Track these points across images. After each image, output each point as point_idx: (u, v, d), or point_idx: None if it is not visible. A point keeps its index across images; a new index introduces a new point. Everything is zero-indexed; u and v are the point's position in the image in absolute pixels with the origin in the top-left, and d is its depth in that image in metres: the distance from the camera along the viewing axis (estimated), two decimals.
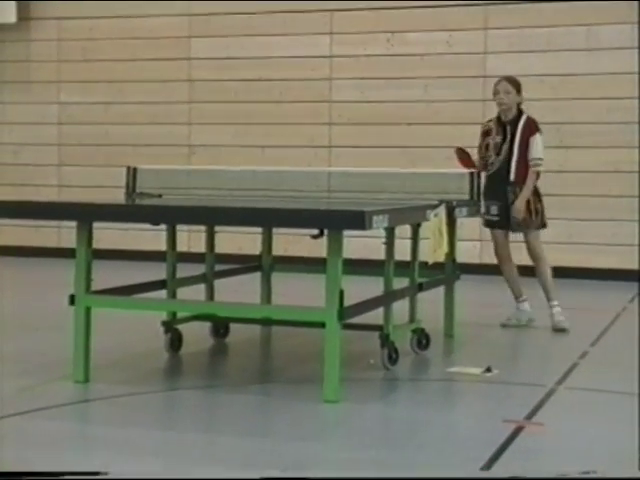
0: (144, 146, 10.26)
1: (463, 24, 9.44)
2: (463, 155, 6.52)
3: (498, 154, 6.48)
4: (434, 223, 5.13)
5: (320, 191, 6.23)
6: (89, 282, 4.79)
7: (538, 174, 6.52)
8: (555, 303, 6.53)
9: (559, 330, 6.40)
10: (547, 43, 9.29)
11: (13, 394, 4.57)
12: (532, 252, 6.62)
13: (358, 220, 4.31)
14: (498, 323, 6.59)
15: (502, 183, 6.41)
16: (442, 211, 5.19)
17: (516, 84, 6.50)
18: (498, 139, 6.48)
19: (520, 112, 6.51)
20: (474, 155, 6.60)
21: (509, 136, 6.44)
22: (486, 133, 6.60)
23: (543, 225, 6.64)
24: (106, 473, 3.30)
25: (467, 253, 8.36)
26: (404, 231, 5.41)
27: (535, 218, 6.54)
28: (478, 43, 9.44)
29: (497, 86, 6.53)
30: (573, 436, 3.97)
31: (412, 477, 3.47)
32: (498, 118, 6.56)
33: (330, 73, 9.86)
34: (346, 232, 4.46)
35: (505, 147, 6.45)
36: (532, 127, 6.45)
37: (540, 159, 6.46)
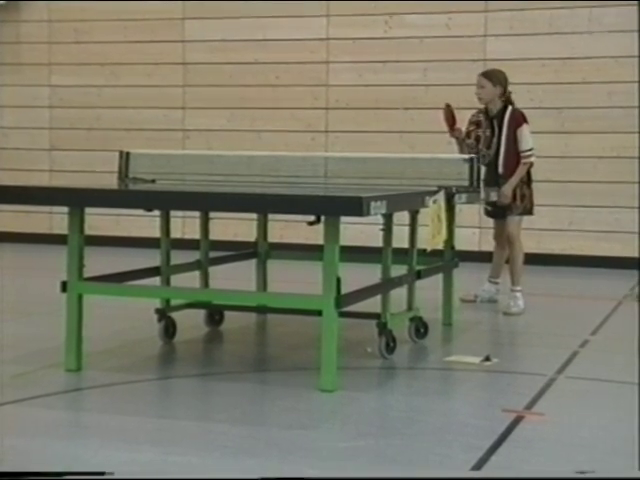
0: (137, 130, 10.16)
1: (463, 6, 9.32)
2: (449, 115, 6.46)
3: (489, 148, 6.50)
4: (433, 209, 5.07)
5: (317, 177, 6.17)
6: (81, 269, 4.72)
7: (531, 164, 6.52)
8: (518, 289, 6.56)
9: (508, 314, 6.44)
10: (549, 25, 9.17)
11: (5, 381, 4.51)
12: (508, 236, 6.64)
13: (355, 206, 4.25)
14: (497, 311, 6.55)
15: (494, 176, 6.40)
16: (441, 197, 5.13)
17: (493, 77, 6.51)
18: (488, 132, 6.51)
19: (506, 104, 6.50)
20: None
21: (497, 130, 6.47)
22: (477, 125, 6.60)
23: (528, 212, 6.66)
24: (112, 473, 3.24)
25: (466, 240, 8.30)
26: (402, 218, 5.34)
27: (520, 203, 6.55)
28: (478, 26, 9.33)
29: (476, 81, 6.58)
30: (574, 426, 3.94)
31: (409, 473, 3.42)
32: (486, 111, 6.58)
33: (327, 56, 9.75)
34: (343, 219, 4.39)
35: (494, 141, 6.48)
36: (518, 119, 6.46)
37: (530, 150, 6.47)
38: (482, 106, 6.64)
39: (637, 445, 3.62)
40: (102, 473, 3.24)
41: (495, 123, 6.48)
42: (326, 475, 3.35)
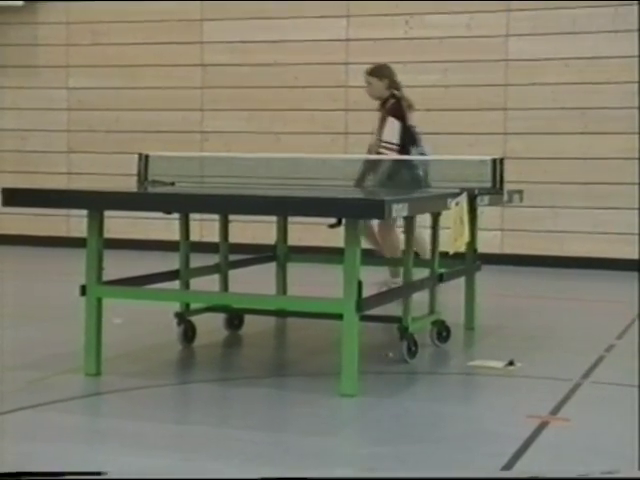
0: (155, 132, 10.14)
1: (484, 6, 9.23)
2: None
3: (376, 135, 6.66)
4: (455, 212, 5.00)
5: (336, 179, 6.12)
6: (100, 272, 4.69)
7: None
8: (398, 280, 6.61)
9: None
10: (572, 25, 9.05)
11: (24, 386, 4.50)
12: (380, 233, 6.69)
13: (377, 209, 4.21)
14: (521, 315, 6.48)
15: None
16: (463, 199, 5.07)
17: (376, 72, 6.65)
18: (377, 123, 6.64)
19: (391, 96, 6.60)
20: None
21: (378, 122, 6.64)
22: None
23: None
24: (106, 473, 3.20)
25: (488, 243, 8.21)
26: (423, 220, 5.28)
27: None
28: (500, 26, 9.23)
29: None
30: (599, 432, 3.87)
31: (431, 477, 3.37)
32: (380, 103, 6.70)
33: (346, 57, 9.69)
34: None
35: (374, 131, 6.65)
36: (390, 109, 6.54)
37: (389, 143, 6.50)
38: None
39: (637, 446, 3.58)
40: (103, 473, 3.20)
41: (381, 114, 6.63)
42: None
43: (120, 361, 5.03)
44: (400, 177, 6.52)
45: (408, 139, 6.82)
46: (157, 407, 4.29)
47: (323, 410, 4.20)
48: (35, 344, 5.45)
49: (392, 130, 6.41)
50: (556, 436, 3.82)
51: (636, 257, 8.90)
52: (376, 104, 6.71)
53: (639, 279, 7.97)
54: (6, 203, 4.69)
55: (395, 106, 6.45)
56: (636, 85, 8.90)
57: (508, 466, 3.44)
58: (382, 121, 6.47)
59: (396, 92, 6.52)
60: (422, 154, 6.98)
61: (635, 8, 8.85)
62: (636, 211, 8.93)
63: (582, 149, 8.82)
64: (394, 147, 6.43)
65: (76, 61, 10.57)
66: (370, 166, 6.43)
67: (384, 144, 6.40)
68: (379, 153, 6.38)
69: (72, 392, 4.42)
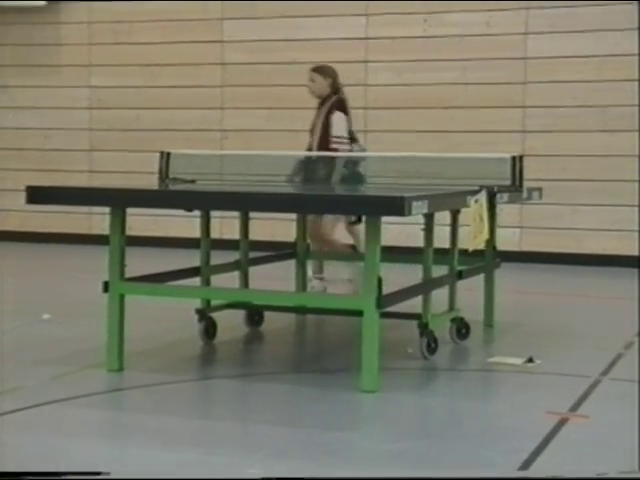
0: (176, 131, 10.18)
1: (503, 4, 9.22)
2: None
3: (312, 132, 6.60)
4: (474, 209, 5.01)
5: None
6: (123, 269, 4.73)
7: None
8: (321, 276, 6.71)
9: None
10: (591, 22, 9.03)
11: (47, 381, 4.54)
12: (323, 229, 6.64)
13: (397, 206, 4.21)
14: (540, 312, 6.47)
15: None
16: (483, 197, 5.07)
17: (322, 70, 6.60)
18: (314, 119, 6.59)
19: (332, 94, 6.53)
20: None
21: (315, 119, 6.58)
22: (315, 115, 6.66)
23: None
24: (108, 473, 3.24)
25: (506, 240, 8.21)
26: (442, 217, 5.29)
27: None
28: (519, 23, 9.22)
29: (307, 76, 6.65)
30: (619, 429, 3.86)
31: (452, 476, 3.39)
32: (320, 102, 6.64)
33: (365, 55, 9.70)
34: (383, 218, 4.36)
35: (316, 125, 6.57)
36: (334, 105, 6.48)
37: (338, 137, 6.44)
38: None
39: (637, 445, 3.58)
40: (98, 473, 3.23)
41: (319, 110, 6.57)
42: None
43: (142, 357, 5.07)
44: (357, 173, 6.61)
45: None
46: (179, 402, 4.33)
47: (344, 406, 4.22)
48: (59, 340, 5.50)
49: (341, 124, 6.44)
50: (576, 433, 3.83)
51: None
52: (315, 102, 6.65)
53: None
54: (30, 200, 4.74)
55: (339, 102, 6.49)
56: None
57: (528, 462, 3.45)
58: (326, 119, 6.44)
59: (338, 93, 6.54)
60: (363, 150, 7.11)
61: None
62: None
63: (601, 146, 8.79)
64: (345, 141, 6.46)
65: (98, 60, 10.64)
66: (311, 163, 6.42)
67: (336, 139, 6.41)
68: (331, 149, 6.39)
69: (95, 387, 4.46)
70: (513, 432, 3.86)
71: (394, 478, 3.32)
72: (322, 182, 6.20)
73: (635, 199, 8.95)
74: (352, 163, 6.51)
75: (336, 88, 6.56)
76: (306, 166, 6.35)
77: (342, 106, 6.50)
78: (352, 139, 6.71)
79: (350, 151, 6.50)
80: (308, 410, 4.24)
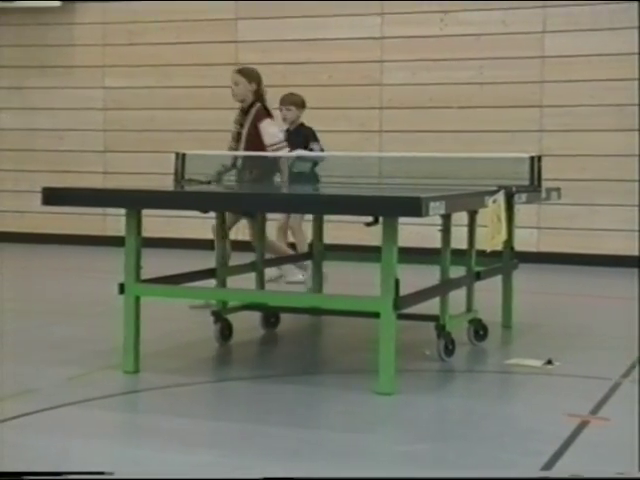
0: (190, 131, 10.17)
1: (520, 2, 9.15)
2: None
3: (237, 142, 6.47)
4: (492, 210, 4.97)
5: (370, 177, 6.09)
6: (139, 271, 4.71)
7: None
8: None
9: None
10: (609, 20, 8.95)
11: (63, 383, 4.54)
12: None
13: (414, 207, 4.18)
14: (558, 313, 6.42)
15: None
16: (501, 197, 5.03)
17: (247, 74, 6.46)
18: (238, 128, 6.47)
19: (255, 101, 6.43)
20: None
21: (242, 126, 6.45)
22: (235, 121, 6.53)
23: None
24: (111, 473, 3.22)
25: (524, 241, 8.15)
26: (460, 218, 5.25)
27: None
28: (536, 22, 9.15)
29: (230, 78, 6.51)
30: None
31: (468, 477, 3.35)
32: (241, 107, 6.51)
33: (381, 55, 9.67)
34: (400, 219, 4.32)
35: (242, 134, 6.45)
36: (260, 114, 6.38)
37: (276, 143, 6.39)
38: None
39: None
40: (101, 473, 3.22)
41: (243, 118, 6.45)
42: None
43: (158, 358, 5.05)
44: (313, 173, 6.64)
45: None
46: (195, 404, 4.32)
47: (360, 408, 4.19)
48: (74, 341, 5.50)
49: (273, 131, 6.41)
50: (596, 435, 3.78)
51: None
52: (233, 108, 6.61)
53: None
54: (46, 202, 4.72)
55: (263, 110, 6.40)
56: None
57: (548, 465, 3.41)
58: (254, 128, 6.35)
59: (262, 100, 6.46)
60: (322, 150, 7.25)
61: None
62: None
63: (619, 146, 8.72)
64: (283, 144, 6.43)
65: (112, 61, 10.65)
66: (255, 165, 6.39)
67: (274, 147, 6.38)
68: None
69: (111, 389, 4.45)
70: (533, 434, 3.82)
71: (407, 478, 3.29)
72: (261, 183, 6.17)
73: None
74: (305, 162, 6.53)
75: (259, 94, 6.43)
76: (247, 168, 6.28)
77: (268, 113, 6.43)
78: (314, 138, 7.11)
79: (290, 151, 6.46)
80: (324, 412, 4.23)
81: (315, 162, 6.75)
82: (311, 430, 3.88)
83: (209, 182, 5.77)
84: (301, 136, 7.46)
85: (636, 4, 8.83)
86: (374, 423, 4.05)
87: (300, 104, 7.64)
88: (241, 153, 6.40)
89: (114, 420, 4.08)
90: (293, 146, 6.78)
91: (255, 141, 6.36)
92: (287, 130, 7.41)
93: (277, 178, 6.28)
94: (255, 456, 3.51)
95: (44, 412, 4.04)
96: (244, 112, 6.45)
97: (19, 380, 4.57)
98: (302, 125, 7.68)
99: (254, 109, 6.40)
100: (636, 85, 8.88)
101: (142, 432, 3.93)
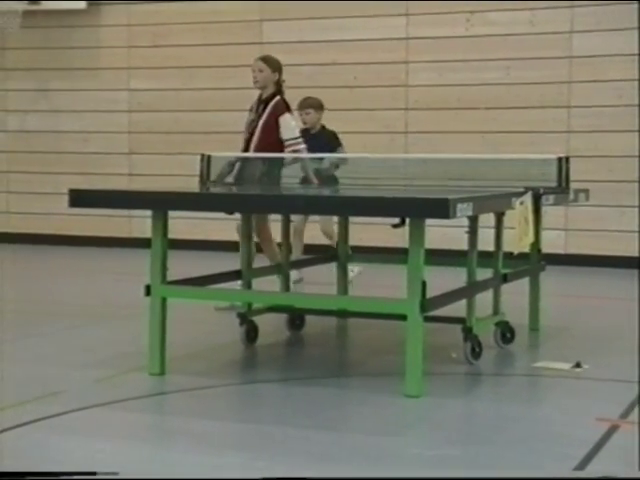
0: (215, 133, 10.17)
1: (547, 2, 9.07)
2: None
3: (252, 133, 6.39)
4: (520, 211, 4.93)
5: (396, 178, 6.07)
6: (165, 272, 4.71)
7: None
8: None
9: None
10: (637, 19, 8.81)
11: (90, 385, 4.55)
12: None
13: (442, 208, 4.15)
14: (586, 316, 6.35)
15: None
16: (528, 199, 4.99)
17: (271, 62, 6.43)
18: (253, 116, 6.40)
19: (275, 93, 6.37)
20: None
21: (258, 116, 6.36)
22: (251, 109, 6.46)
23: None
24: (117, 473, 3.22)
25: (551, 243, 8.09)
26: (487, 220, 5.21)
27: None
28: (564, 21, 9.07)
29: (252, 65, 6.44)
30: None
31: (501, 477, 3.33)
32: (260, 96, 6.43)
33: (406, 56, 9.62)
34: (427, 221, 4.29)
35: (255, 125, 6.38)
36: (280, 107, 6.31)
37: (295, 138, 6.32)
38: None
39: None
40: (100, 473, 3.21)
41: (261, 108, 6.37)
42: None
43: (184, 360, 5.05)
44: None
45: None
46: (222, 406, 4.31)
47: (388, 410, 4.18)
48: (101, 343, 5.51)
49: (293, 125, 6.36)
50: (627, 440, 3.74)
51: None
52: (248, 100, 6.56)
53: None
54: (73, 204, 4.74)
55: (284, 104, 6.36)
56: None
57: (579, 469, 3.38)
58: (274, 122, 6.29)
59: (280, 94, 6.41)
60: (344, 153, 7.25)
61: None
62: None
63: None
64: (302, 141, 6.38)
65: (137, 63, 10.68)
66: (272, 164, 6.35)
67: (293, 141, 6.32)
68: (293, 152, 6.31)
69: (139, 391, 4.45)
70: (563, 438, 3.79)
71: (388, 478, 3.29)
72: (271, 183, 6.14)
73: None
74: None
75: (279, 86, 6.39)
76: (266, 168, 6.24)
77: (288, 107, 6.39)
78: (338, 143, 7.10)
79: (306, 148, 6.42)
80: (352, 414, 4.20)
81: (336, 165, 6.75)
82: (339, 433, 3.86)
83: (234, 183, 5.75)
84: (324, 139, 7.44)
85: None
86: (403, 426, 4.03)
87: (318, 106, 7.59)
88: (240, 156, 6.36)
89: (141, 422, 4.07)
90: (317, 149, 6.77)
91: (272, 133, 6.30)
92: (308, 132, 7.38)
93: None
94: (283, 459, 3.51)
95: (71, 414, 4.05)
96: (263, 102, 6.40)
97: (47, 382, 4.58)
98: (324, 128, 7.66)
99: (274, 101, 6.35)
100: None
101: (169, 434, 3.93)
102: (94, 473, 3.22)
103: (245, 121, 6.55)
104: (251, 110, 6.51)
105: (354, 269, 7.12)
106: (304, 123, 7.45)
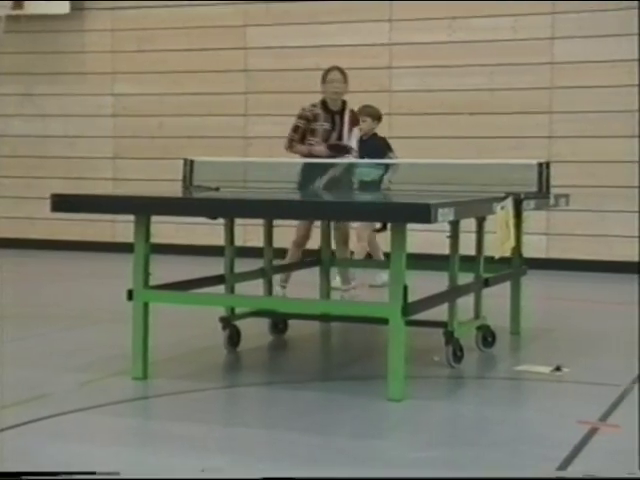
0: (199, 138, 10.19)
1: (529, 8, 9.13)
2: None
3: (326, 141, 6.49)
4: (501, 216, 4.97)
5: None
6: (147, 277, 4.72)
7: None
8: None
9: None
10: (619, 26, 8.91)
11: (73, 389, 4.55)
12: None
13: (423, 213, 4.19)
14: (567, 320, 6.40)
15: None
16: (509, 204, 5.03)
17: (345, 75, 6.59)
18: (327, 126, 6.48)
19: (345, 102, 6.57)
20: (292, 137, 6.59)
21: (338, 124, 6.49)
22: (314, 118, 6.50)
23: None
24: (118, 473, 3.23)
25: (533, 247, 8.13)
26: (468, 224, 5.25)
27: None
28: (545, 27, 9.13)
29: (331, 74, 6.53)
30: None
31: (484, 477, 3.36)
32: (325, 105, 6.51)
33: (389, 61, 9.67)
34: (408, 226, 4.33)
35: (334, 135, 6.48)
36: (356, 119, 6.61)
37: (356, 151, 6.59)
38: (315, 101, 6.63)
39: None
40: (100, 473, 3.22)
41: (336, 118, 6.50)
42: None
43: (167, 364, 5.06)
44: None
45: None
46: (206, 410, 4.31)
47: (371, 414, 4.20)
48: (84, 347, 5.51)
49: (356, 140, 6.52)
50: (607, 442, 3.79)
51: None
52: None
53: None
54: (56, 209, 4.74)
55: (355, 114, 6.55)
56: None
57: (559, 471, 3.41)
58: (350, 128, 6.50)
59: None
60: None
61: None
62: None
63: (629, 152, 8.68)
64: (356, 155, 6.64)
65: (121, 68, 10.67)
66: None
67: (355, 153, 6.50)
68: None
69: (121, 395, 4.45)
70: (544, 441, 3.83)
71: (387, 479, 3.31)
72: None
73: None
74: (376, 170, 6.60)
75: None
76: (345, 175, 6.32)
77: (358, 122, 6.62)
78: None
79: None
80: (335, 418, 4.21)
81: (383, 172, 6.78)
82: (323, 436, 3.88)
83: (217, 188, 5.77)
84: (374, 146, 7.47)
85: None
86: (386, 429, 4.06)
87: (376, 116, 7.70)
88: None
89: (124, 426, 4.08)
90: (366, 155, 6.86)
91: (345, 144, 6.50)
92: (360, 139, 7.42)
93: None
94: (268, 462, 3.53)
95: (56, 418, 4.05)
96: (336, 112, 6.50)
97: (30, 386, 4.58)
98: (375, 135, 7.72)
99: (350, 112, 6.53)
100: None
101: (153, 438, 3.93)
102: (93, 473, 3.23)
103: (317, 131, 6.52)
104: (314, 120, 6.50)
105: (383, 275, 7.12)
106: (359, 129, 7.45)
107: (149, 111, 10.56)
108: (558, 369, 4.94)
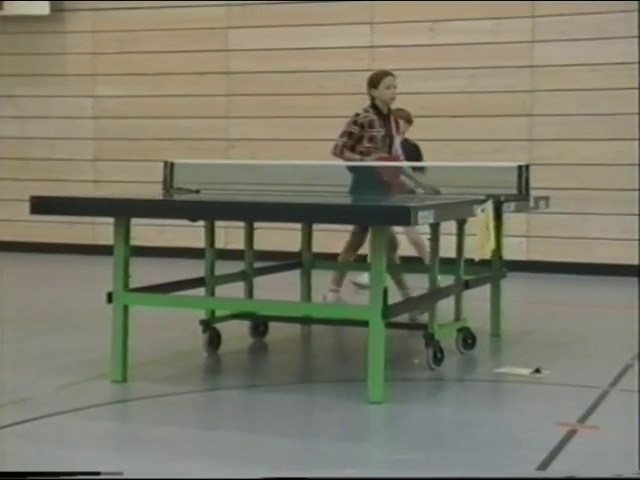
0: (181, 140, 10.17)
1: (510, 11, 9.17)
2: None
3: (390, 146, 6.41)
4: (481, 218, 4.98)
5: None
6: (127, 280, 4.71)
7: None
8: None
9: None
10: (600, 29, 8.95)
11: (52, 392, 4.53)
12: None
13: (403, 215, 4.20)
14: (547, 322, 6.42)
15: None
16: (489, 206, 5.04)
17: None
18: (383, 132, 6.38)
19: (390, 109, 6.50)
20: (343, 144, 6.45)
21: (388, 130, 6.40)
22: (369, 125, 6.33)
23: None
24: (120, 473, 3.22)
25: (513, 249, 8.17)
26: (449, 227, 5.26)
27: None
28: (526, 31, 9.17)
29: (389, 80, 6.41)
30: (629, 439, 3.81)
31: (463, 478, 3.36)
32: (378, 111, 6.40)
33: (371, 64, 9.66)
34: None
35: (387, 141, 6.39)
36: (397, 123, 6.53)
37: (403, 157, 6.54)
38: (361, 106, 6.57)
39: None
40: (98, 473, 3.21)
41: (387, 123, 6.42)
42: None
43: (147, 368, 5.04)
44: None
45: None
46: (185, 413, 4.31)
47: (352, 416, 4.20)
48: (63, 350, 5.49)
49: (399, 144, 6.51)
50: (586, 444, 3.80)
51: None
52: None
53: None
54: (34, 211, 4.72)
55: (397, 121, 6.50)
56: None
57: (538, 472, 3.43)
58: (397, 132, 6.47)
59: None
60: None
61: None
62: None
63: (610, 155, 8.73)
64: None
65: (102, 69, 10.64)
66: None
67: (402, 158, 6.47)
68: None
69: (100, 398, 4.44)
70: (523, 443, 3.84)
71: (387, 479, 3.31)
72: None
73: None
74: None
75: None
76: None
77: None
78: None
79: None
80: (316, 421, 4.22)
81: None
82: (304, 439, 3.88)
83: (197, 191, 5.76)
84: (408, 149, 7.40)
85: (625, 15, 8.84)
86: (367, 432, 4.06)
87: (408, 119, 7.49)
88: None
89: (103, 429, 4.07)
90: (406, 159, 6.80)
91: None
92: None
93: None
94: (247, 465, 3.52)
95: (34, 421, 4.03)
96: (385, 117, 6.41)
97: (9, 389, 4.55)
98: (407, 140, 7.65)
99: (392, 117, 6.44)
100: (626, 94, 8.88)
101: (132, 441, 3.92)
102: (98, 473, 3.22)
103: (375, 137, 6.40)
104: (371, 125, 6.35)
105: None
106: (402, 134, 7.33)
107: (130, 113, 10.52)
108: (538, 371, 4.96)
